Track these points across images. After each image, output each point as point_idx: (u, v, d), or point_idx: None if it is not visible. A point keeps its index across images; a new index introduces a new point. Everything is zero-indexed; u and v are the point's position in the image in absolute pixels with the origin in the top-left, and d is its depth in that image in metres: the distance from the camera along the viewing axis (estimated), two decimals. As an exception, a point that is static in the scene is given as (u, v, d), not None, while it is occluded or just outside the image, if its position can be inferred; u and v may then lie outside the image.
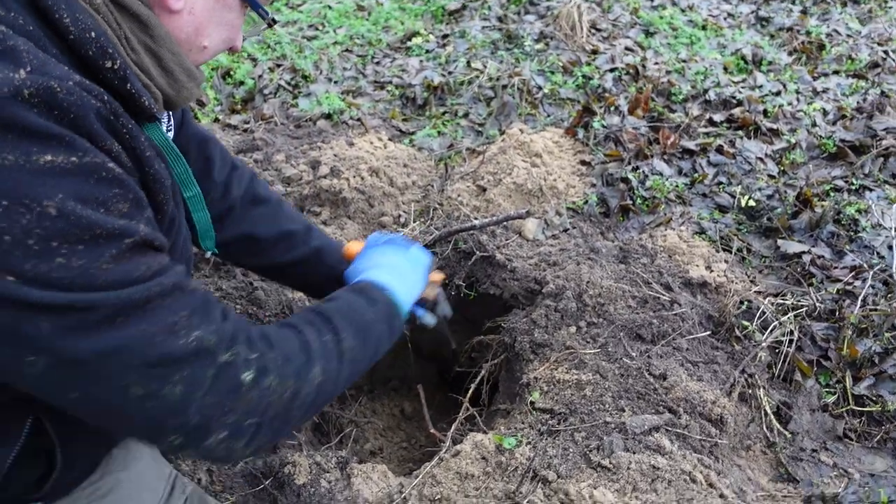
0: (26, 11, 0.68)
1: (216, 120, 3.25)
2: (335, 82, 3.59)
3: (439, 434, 1.95)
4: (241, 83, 3.55)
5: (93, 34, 0.71)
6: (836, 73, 3.56)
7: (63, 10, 0.70)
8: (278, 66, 3.72)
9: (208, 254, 1.21)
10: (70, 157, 0.64)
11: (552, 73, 3.55)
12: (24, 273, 0.62)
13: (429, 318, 1.44)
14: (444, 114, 3.33)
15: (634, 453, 1.68)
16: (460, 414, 1.98)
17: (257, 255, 1.35)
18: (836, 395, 1.95)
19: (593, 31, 4.01)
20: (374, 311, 1.03)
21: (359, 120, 3.20)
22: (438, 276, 1.37)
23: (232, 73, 3.62)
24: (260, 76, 3.59)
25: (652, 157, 2.87)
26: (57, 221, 0.63)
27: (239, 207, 1.26)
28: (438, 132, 3.16)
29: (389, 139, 3.02)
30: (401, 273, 1.15)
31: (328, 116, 3.23)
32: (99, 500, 1.02)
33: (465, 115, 3.31)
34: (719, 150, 2.90)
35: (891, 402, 1.88)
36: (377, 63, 3.81)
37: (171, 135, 1.03)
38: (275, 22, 0.98)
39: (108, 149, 0.69)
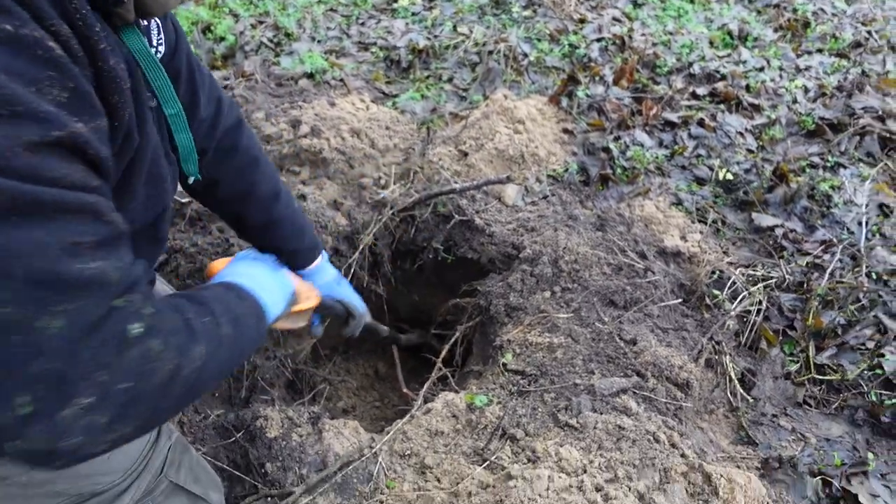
0: None
1: (195, 75, 3.18)
2: (318, 41, 3.52)
3: (412, 393, 1.98)
4: (222, 39, 3.47)
5: None
6: (819, 51, 3.58)
7: None
8: (261, 22, 3.63)
9: (191, 179, 1.12)
10: (5, 24, 0.57)
11: (539, 40, 3.52)
12: None
13: (318, 331, 1.53)
14: (428, 77, 3.29)
15: (601, 414, 1.72)
16: (433, 373, 2.01)
17: (215, 206, 1.31)
18: (798, 364, 2.01)
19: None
20: (244, 308, 0.96)
21: (341, 80, 3.16)
22: (311, 304, 1.32)
23: (213, 28, 3.53)
24: (241, 32, 3.51)
25: (634, 127, 2.87)
26: None
27: (213, 151, 1.20)
28: (422, 95, 3.13)
29: (372, 101, 2.99)
30: (265, 287, 1.07)
31: (310, 76, 3.17)
32: None
33: (450, 80, 3.28)
34: (700, 123, 2.91)
35: (850, 371, 1.94)
36: (362, 24, 3.74)
37: (161, 50, 0.96)
38: None
39: (55, 30, 0.62)
